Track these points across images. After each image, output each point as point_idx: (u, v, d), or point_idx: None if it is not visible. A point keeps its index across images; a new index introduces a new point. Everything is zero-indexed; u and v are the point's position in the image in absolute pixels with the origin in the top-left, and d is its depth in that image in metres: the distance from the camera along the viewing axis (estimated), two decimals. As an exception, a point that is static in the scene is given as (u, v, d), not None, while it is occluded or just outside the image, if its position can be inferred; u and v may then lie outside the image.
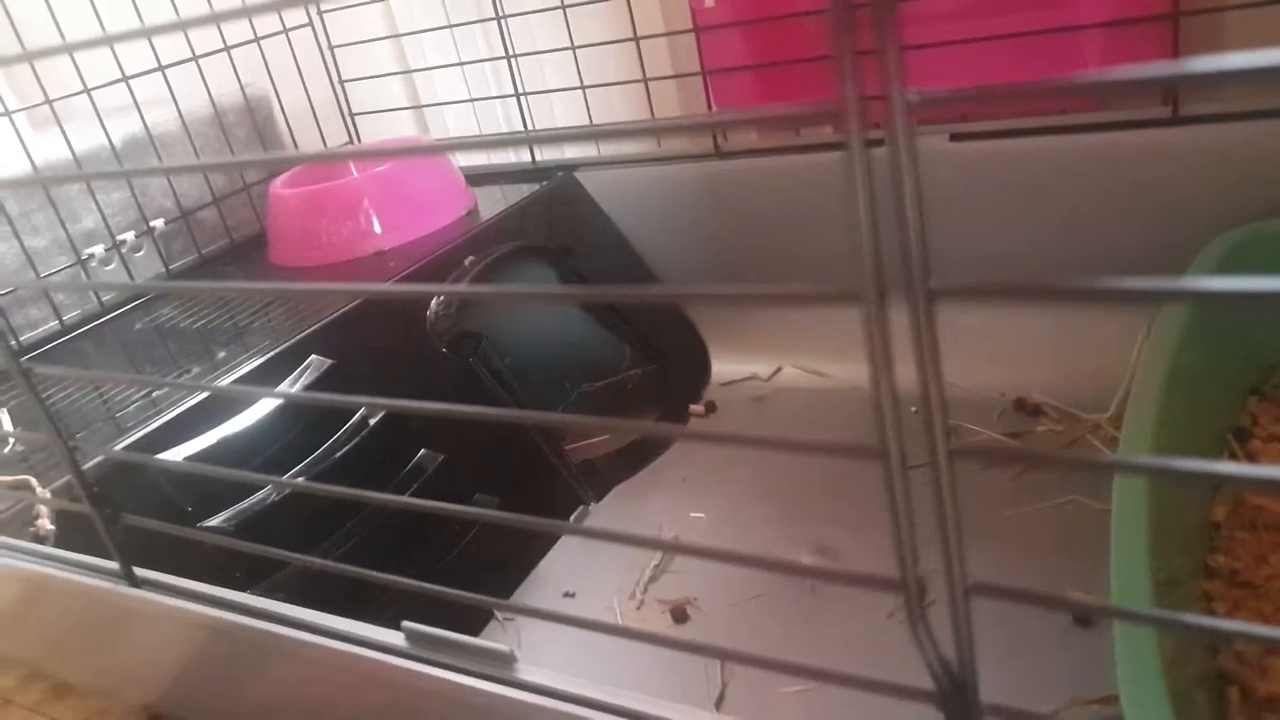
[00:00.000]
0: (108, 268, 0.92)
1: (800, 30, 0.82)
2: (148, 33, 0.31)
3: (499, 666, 0.35)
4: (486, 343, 0.80)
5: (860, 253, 0.22)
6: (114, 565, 0.43)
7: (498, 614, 0.70)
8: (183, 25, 0.29)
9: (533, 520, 0.36)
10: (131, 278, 0.92)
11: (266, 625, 0.39)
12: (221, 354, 0.74)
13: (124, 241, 0.91)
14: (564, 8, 0.99)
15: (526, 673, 0.35)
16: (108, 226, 0.91)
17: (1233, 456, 0.58)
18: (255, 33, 1.01)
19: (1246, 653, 0.46)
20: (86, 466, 0.58)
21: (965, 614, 0.24)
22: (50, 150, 0.88)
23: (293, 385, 0.70)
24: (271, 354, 0.71)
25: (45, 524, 0.56)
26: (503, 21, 0.98)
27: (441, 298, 0.80)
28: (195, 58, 0.95)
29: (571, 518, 0.78)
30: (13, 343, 0.84)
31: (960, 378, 0.81)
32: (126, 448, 0.61)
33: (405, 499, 0.47)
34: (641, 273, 0.97)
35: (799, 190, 0.88)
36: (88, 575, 0.45)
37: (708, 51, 0.89)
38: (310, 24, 1.06)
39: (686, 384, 0.93)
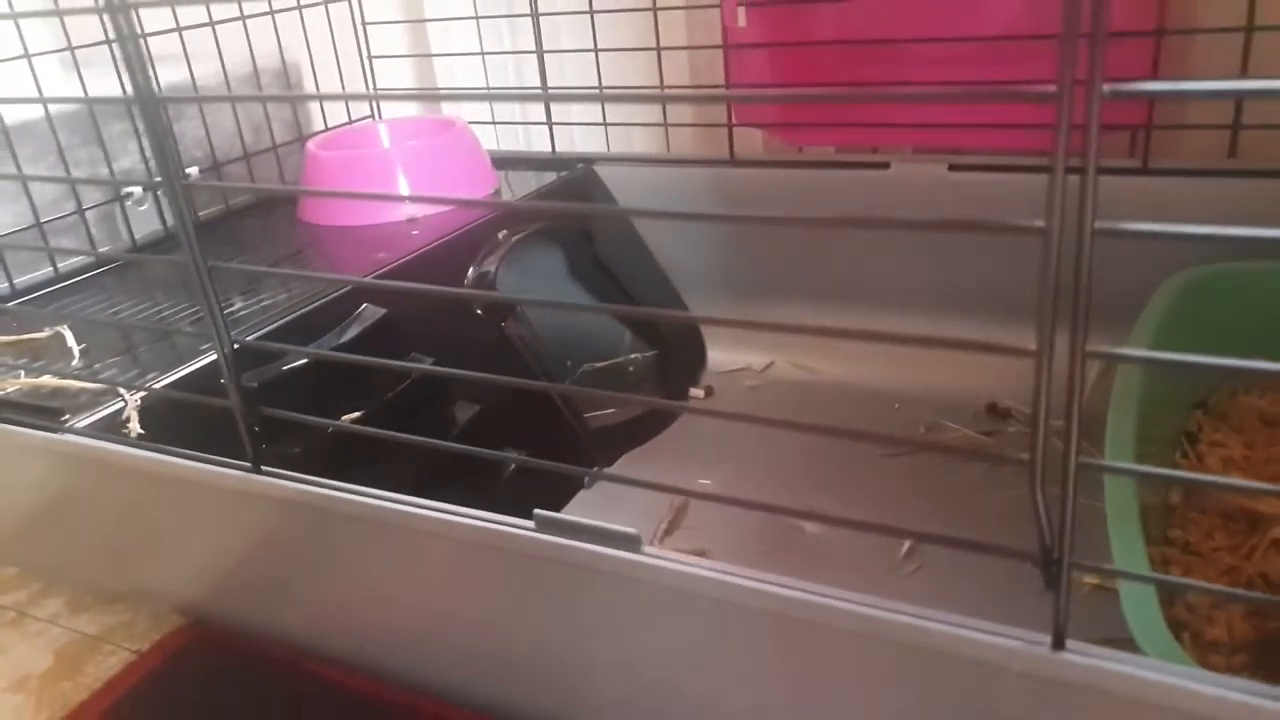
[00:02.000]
0: (141, 208, 0.95)
1: (827, 55, 0.91)
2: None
3: (628, 545, 0.42)
4: (519, 309, 0.86)
5: (1043, 313, 0.28)
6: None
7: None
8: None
9: (563, 467, 0.42)
10: (163, 220, 0.95)
11: (403, 508, 0.45)
12: (272, 298, 0.79)
13: (159, 183, 0.94)
14: (591, 12, 1.06)
15: (651, 552, 0.41)
16: (147, 167, 0.94)
17: (1184, 456, 0.69)
18: (299, 0, 1.05)
19: (1197, 605, 0.56)
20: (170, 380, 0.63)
21: (1075, 491, 0.32)
22: (99, 89, 0.91)
23: (348, 329, 0.75)
24: (321, 301, 0.76)
25: (135, 427, 0.61)
26: (537, 19, 1.05)
27: (481, 265, 0.86)
28: (243, 17, 0.99)
29: (585, 480, 0.85)
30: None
31: (939, 382, 0.90)
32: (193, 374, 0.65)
33: (450, 444, 0.53)
34: (651, 267, 1.04)
35: (804, 202, 0.96)
36: (221, 466, 0.50)
37: (733, 68, 0.97)
38: (348, -1, 1.11)
39: (684, 370, 1.01)
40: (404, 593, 0.50)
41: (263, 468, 0.49)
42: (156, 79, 0.94)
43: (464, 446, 0.46)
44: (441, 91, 1.19)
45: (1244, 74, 0.81)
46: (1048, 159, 0.26)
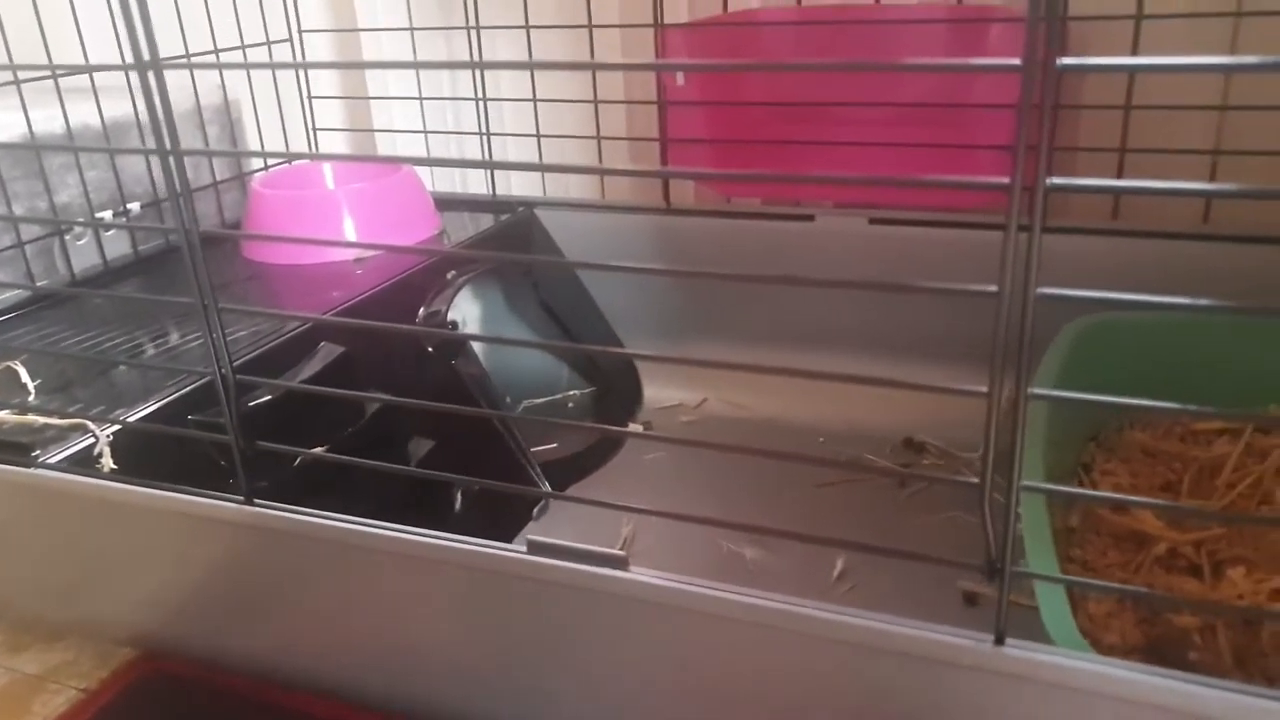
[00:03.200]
0: (79, 242, 0.95)
1: (756, 115, 0.98)
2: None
3: (614, 565, 0.46)
4: (469, 347, 0.90)
5: (994, 354, 0.34)
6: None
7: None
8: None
9: (520, 488, 0.47)
10: (104, 257, 0.96)
11: (406, 536, 0.49)
12: (232, 334, 0.80)
13: (101, 218, 0.95)
14: (531, 68, 1.12)
15: (638, 571, 0.46)
16: (88, 200, 0.94)
17: (1082, 484, 0.77)
18: (242, 39, 1.07)
19: (1096, 615, 0.63)
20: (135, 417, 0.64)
21: (1016, 507, 0.38)
22: (41, 121, 0.91)
23: (309, 366, 0.77)
24: (283, 339, 0.78)
25: (108, 462, 0.62)
26: (477, 69, 1.09)
27: (431, 304, 0.90)
28: (188, 55, 1.01)
29: (535, 510, 0.88)
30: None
31: (859, 418, 0.97)
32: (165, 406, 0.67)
33: (412, 469, 0.56)
34: (590, 307, 1.09)
35: (735, 250, 1.03)
36: (212, 498, 0.52)
37: (670, 123, 1.03)
38: (290, 39, 1.14)
39: (621, 406, 1.06)
40: (393, 618, 0.53)
41: (255, 499, 0.52)
42: (102, 115, 0.95)
43: (449, 475, 0.50)
44: (379, 130, 1.22)
45: (1123, 142, 0.91)
46: (995, 217, 0.32)
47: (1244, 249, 0.87)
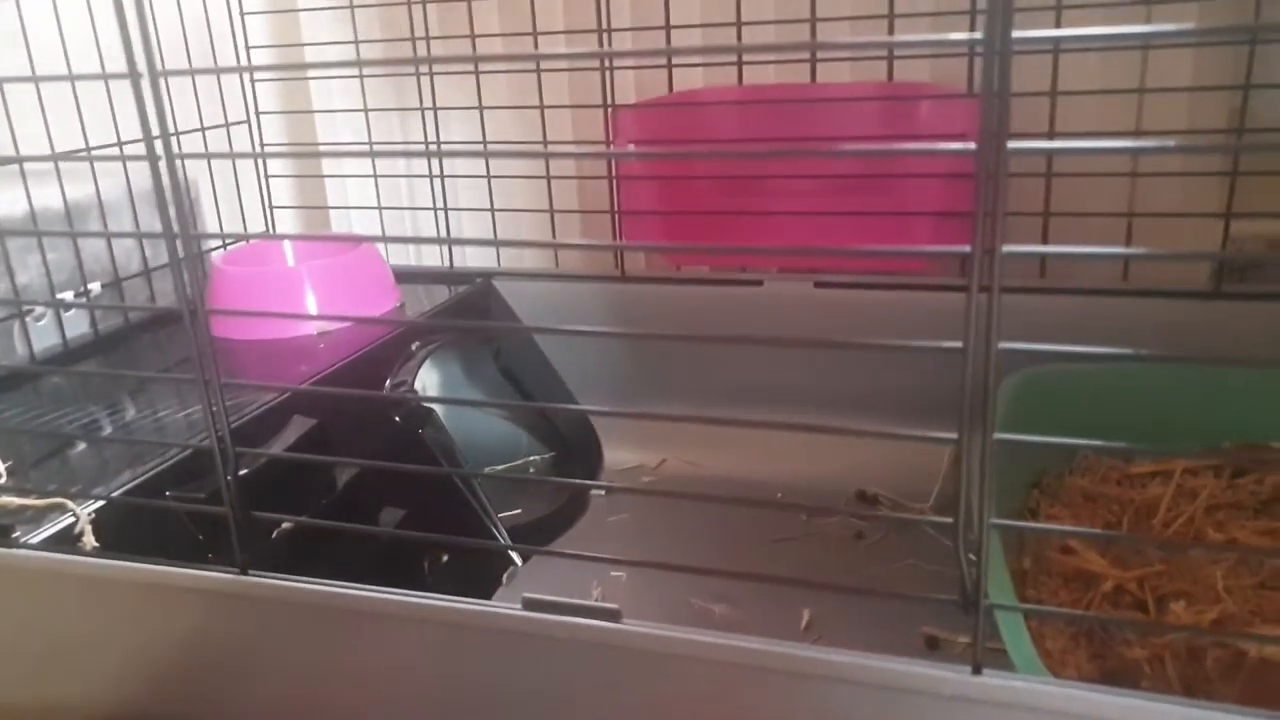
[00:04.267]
0: (39, 323, 0.95)
1: (704, 187, 1.03)
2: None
3: (608, 618, 0.48)
4: (435, 417, 0.92)
5: (963, 404, 0.38)
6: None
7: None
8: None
9: (496, 544, 0.49)
10: (64, 337, 0.96)
11: (406, 599, 0.50)
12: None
13: (63, 299, 0.95)
14: (486, 155, 1.16)
15: (632, 625, 0.48)
16: (49, 281, 0.95)
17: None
18: (202, 122, 1.09)
19: (1053, 650, 0.67)
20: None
21: (987, 545, 0.41)
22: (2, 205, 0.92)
23: (281, 439, 0.78)
24: (256, 413, 0.79)
25: (90, 541, 0.62)
26: (440, 157, 1.13)
27: (397, 375, 0.92)
28: (148, 139, 1.02)
29: (504, 576, 0.90)
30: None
31: (814, 473, 1.01)
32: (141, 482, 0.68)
33: (400, 532, 0.58)
34: (550, 373, 1.12)
35: (689, 315, 1.07)
36: (207, 570, 0.53)
37: (622, 196, 1.08)
38: (248, 121, 1.16)
39: (582, 469, 1.08)
40: (390, 682, 0.54)
41: (249, 569, 0.53)
42: (66, 200, 0.96)
43: (435, 535, 0.51)
44: (334, 206, 1.24)
45: (1046, 206, 0.98)
46: (959, 280, 0.36)
47: (1163, 303, 0.93)
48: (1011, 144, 0.34)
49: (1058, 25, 0.93)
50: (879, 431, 0.40)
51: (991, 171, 0.33)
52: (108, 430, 0.78)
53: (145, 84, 0.44)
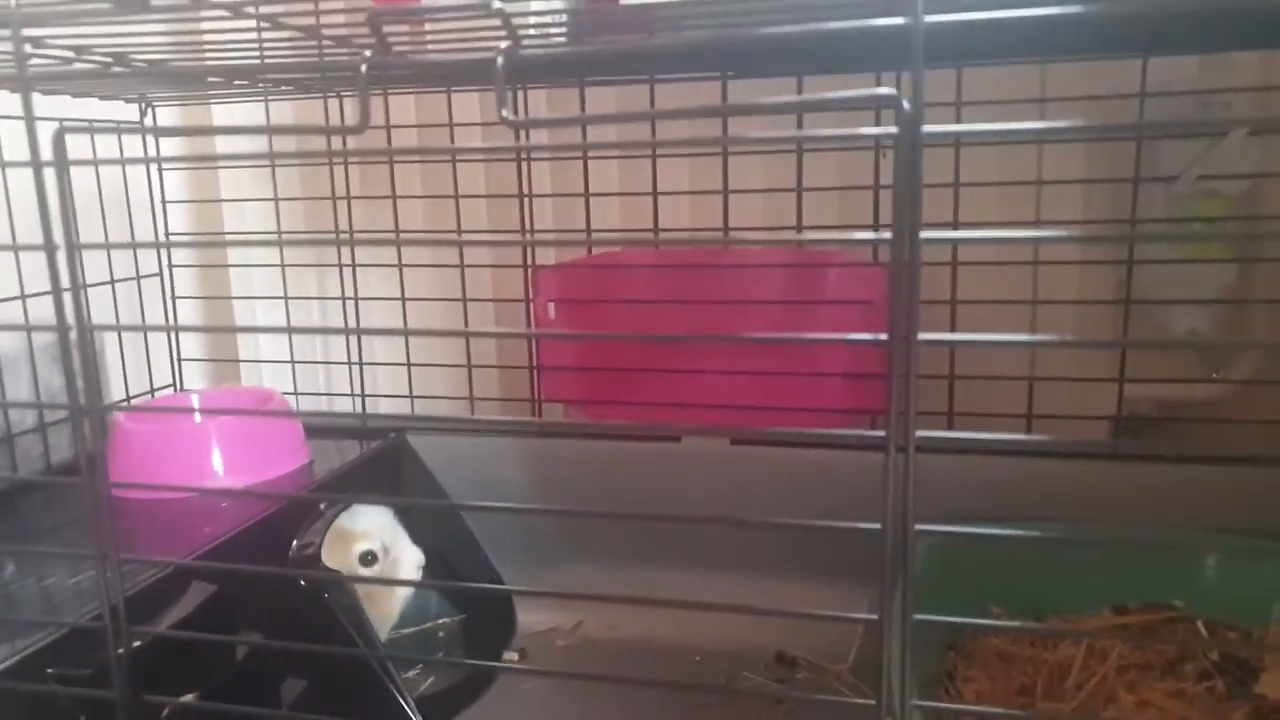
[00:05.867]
0: (-80, 481, 0.89)
1: (627, 345, 1.05)
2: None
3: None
4: (341, 582, 0.88)
5: (884, 584, 0.39)
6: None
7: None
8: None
9: None
10: (-55, 494, 0.90)
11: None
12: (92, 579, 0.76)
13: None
14: (403, 300, 1.16)
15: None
16: (-69, 440, 0.90)
17: (946, 692, 0.81)
18: (112, 275, 1.08)
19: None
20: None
21: (906, 648, 0.41)
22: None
23: (177, 609, 0.74)
24: (150, 581, 0.75)
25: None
26: (356, 301, 1.13)
27: (304, 536, 0.88)
28: (59, 311, 1.00)
29: (414, 751, 0.85)
30: None
31: (732, 635, 1.00)
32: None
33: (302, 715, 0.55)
34: (463, 532, 1.09)
35: (605, 471, 1.07)
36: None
37: (542, 351, 1.09)
38: (160, 274, 1.15)
39: (494, 633, 1.04)
40: None
41: (134, 761, 0.49)
42: (-44, 350, 0.92)
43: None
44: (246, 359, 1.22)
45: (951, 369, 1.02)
46: (875, 436, 0.38)
47: (1067, 464, 0.97)
48: (923, 336, 0.36)
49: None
50: (799, 613, 0.40)
51: (903, 371, 0.35)
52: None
53: (61, 256, 0.44)
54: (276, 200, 1.15)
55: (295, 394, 1.20)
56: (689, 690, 0.39)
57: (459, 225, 1.09)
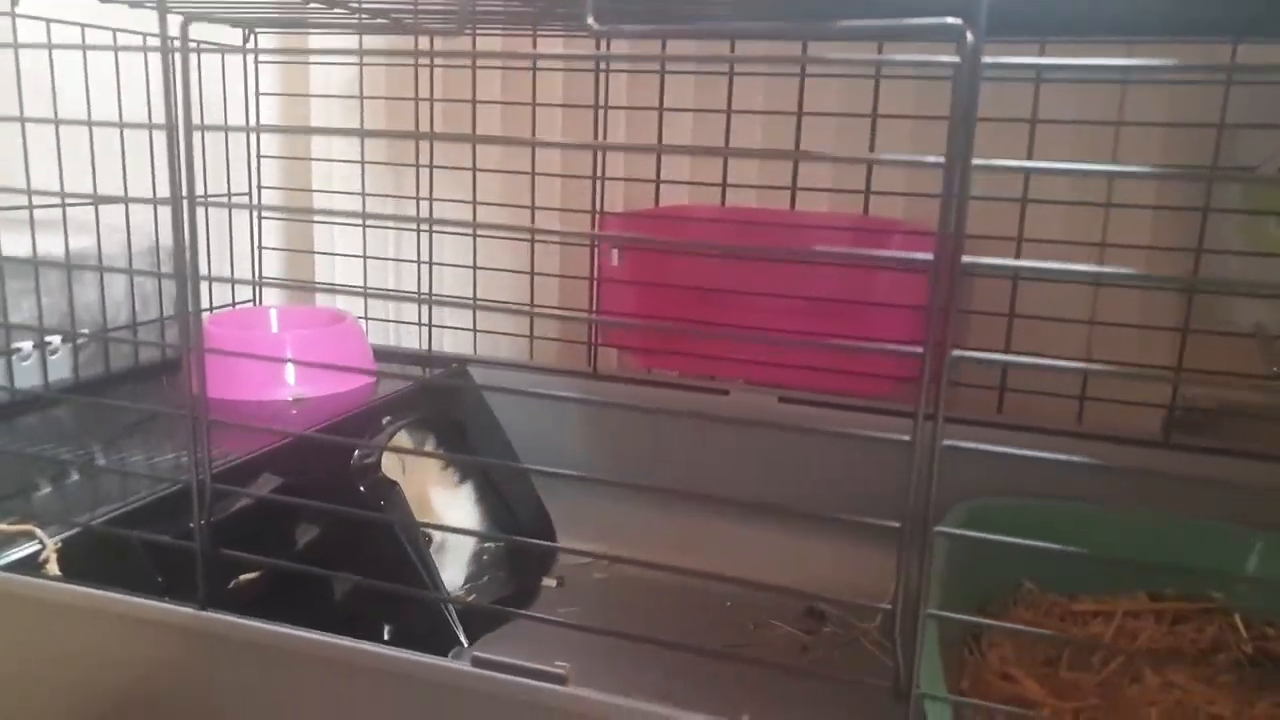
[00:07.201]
0: (24, 363, 0.96)
1: (682, 298, 1.08)
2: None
3: (554, 681, 0.50)
4: (398, 491, 0.93)
5: (910, 489, 0.41)
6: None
7: None
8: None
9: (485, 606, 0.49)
10: (46, 378, 0.97)
11: (355, 645, 0.51)
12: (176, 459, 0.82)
13: (50, 343, 0.97)
14: (474, 235, 1.20)
15: (578, 690, 0.49)
16: (41, 324, 0.96)
17: (971, 653, 0.83)
18: (206, 190, 1.14)
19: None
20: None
21: (921, 636, 0.43)
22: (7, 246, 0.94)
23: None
24: (224, 466, 0.80)
25: (54, 569, 0.63)
26: (430, 231, 1.18)
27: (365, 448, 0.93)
28: (154, 200, 1.06)
29: (450, 654, 0.89)
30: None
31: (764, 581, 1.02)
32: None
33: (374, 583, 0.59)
34: (513, 459, 1.14)
35: (653, 416, 1.10)
36: (169, 604, 0.54)
37: (604, 298, 1.13)
38: (249, 193, 1.20)
39: (536, 559, 1.09)
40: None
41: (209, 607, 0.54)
42: (67, 245, 0.99)
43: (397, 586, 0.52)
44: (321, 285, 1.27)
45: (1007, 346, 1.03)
46: (903, 409, 0.40)
47: (1114, 447, 0.98)
48: (966, 259, 0.38)
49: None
50: (822, 514, 0.43)
51: (944, 304, 0.37)
52: (75, 474, 0.79)
53: (180, 136, 0.48)
54: (361, 98, 1.19)
55: (366, 319, 1.25)
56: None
57: (534, 131, 1.11)
